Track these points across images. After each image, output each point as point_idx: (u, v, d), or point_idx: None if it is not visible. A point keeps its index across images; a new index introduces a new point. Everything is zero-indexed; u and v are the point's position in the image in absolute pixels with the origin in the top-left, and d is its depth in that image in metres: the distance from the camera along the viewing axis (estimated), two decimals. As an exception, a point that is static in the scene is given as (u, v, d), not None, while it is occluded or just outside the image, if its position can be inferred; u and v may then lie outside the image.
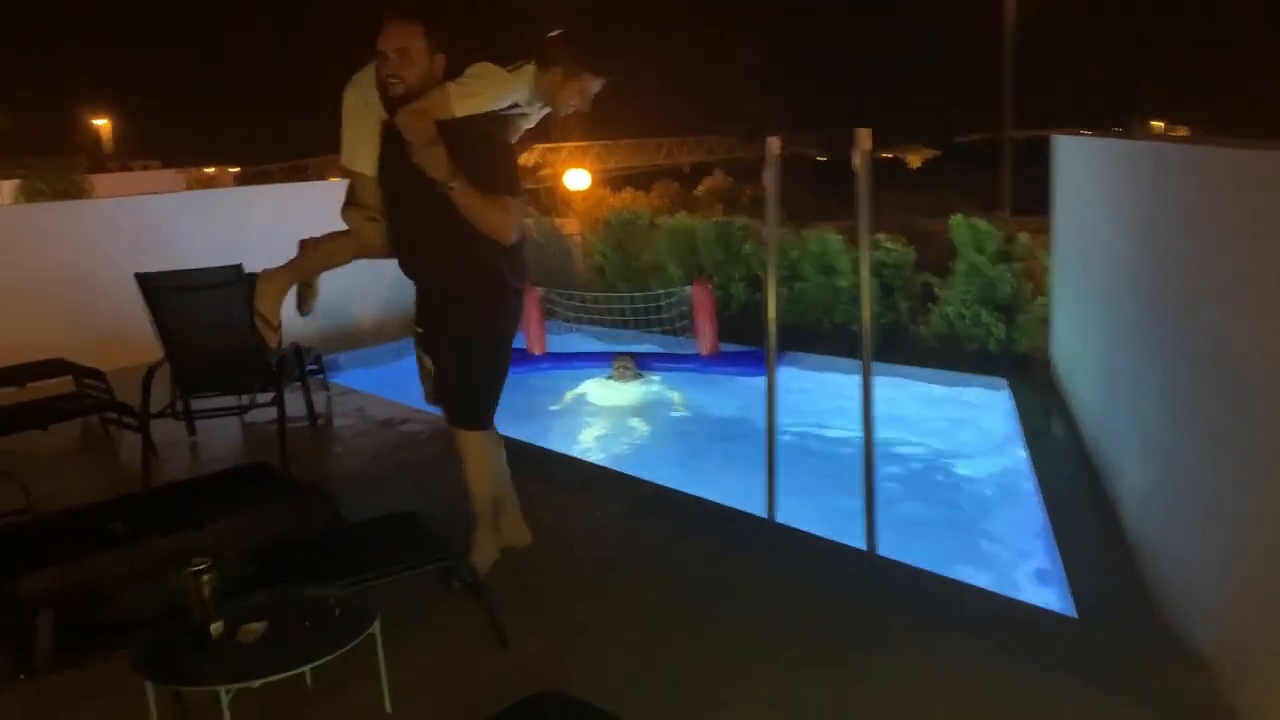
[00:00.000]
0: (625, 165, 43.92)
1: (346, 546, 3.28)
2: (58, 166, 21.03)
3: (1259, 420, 2.43)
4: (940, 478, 5.62)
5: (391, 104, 3.22)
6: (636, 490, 4.72)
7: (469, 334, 3.42)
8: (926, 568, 3.63)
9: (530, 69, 3.29)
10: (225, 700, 2.06)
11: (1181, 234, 3.32)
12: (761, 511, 4.45)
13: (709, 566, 3.76)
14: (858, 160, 3.93)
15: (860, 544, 4.02)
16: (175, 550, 2.87)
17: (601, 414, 7.32)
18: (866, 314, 4.08)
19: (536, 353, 8.41)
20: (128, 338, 6.67)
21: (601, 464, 5.22)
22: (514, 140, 3.53)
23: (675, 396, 7.46)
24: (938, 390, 6.87)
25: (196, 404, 5.62)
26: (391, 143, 3.24)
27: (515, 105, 3.38)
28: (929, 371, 7.03)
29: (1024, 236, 7.39)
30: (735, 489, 4.68)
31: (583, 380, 7.93)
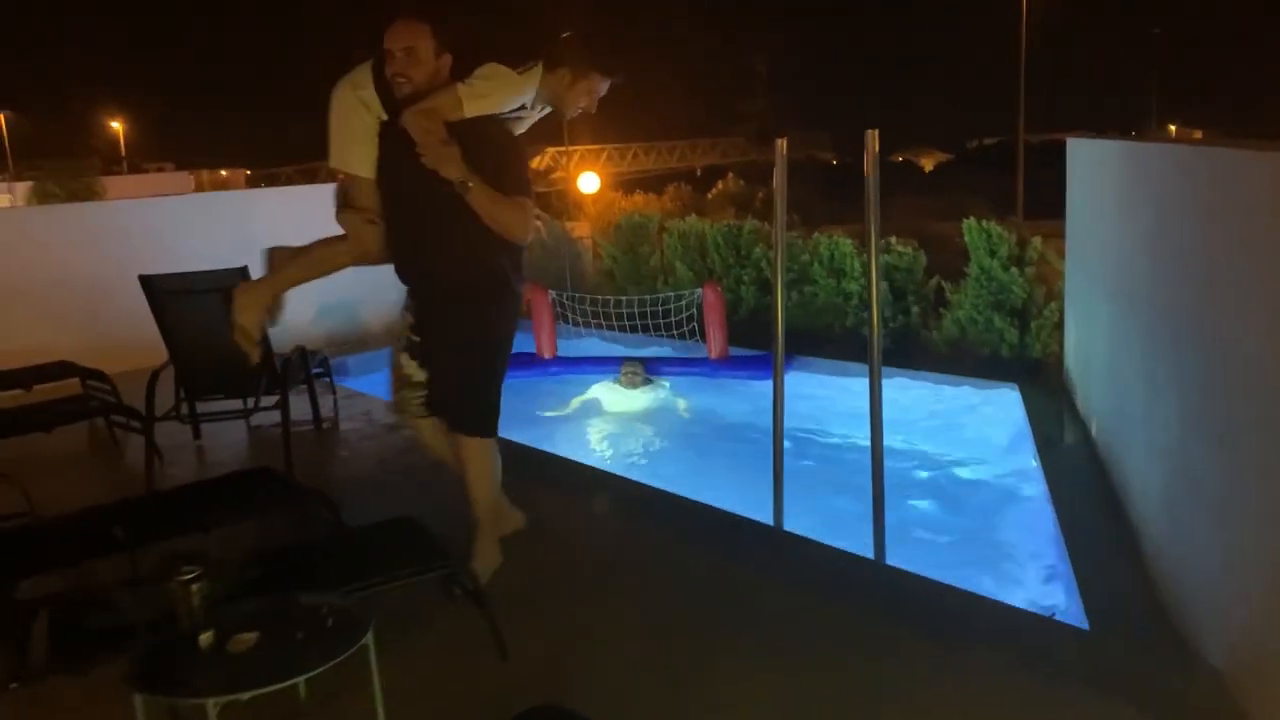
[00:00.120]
0: (638, 168, 44.00)
1: (348, 552, 3.24)
2: (70, 169, 21.13)
3: (1273, 427, 2.37)
4: (950, 485, 5.55)
5: (394, 104, 3.18)
6: (641, 495, 4.67)
7: (475, 336, 3.38)
8: (935, 577, 3.57)
9: (537, 70, 3.27)
10: (213, 713, 2.02)
11: (1195, 238, 3.26)
12: (768, 518, 4.39)
13: (713, 573, 3.71)
14: (867, 162, 3.88)
15: (868, 552, 3.96)
16: (175, 555, 2.85)
17: (609, 419, 7.28)
18: (875, 319, 4.03)
19: (546, 356, 8.37)
20: (135, 340, 6.65)
21: (607, 469, 5.17)
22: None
23: (683, 401, 7.42)
24: (949, 396, 6.80)
25: (202, 407, 5.60)
26: (393, 143, 3.20)
27: (521, 107, 3.35)
28: (940, 377, 6.95)
29: (1037, 240, 7.31)
30: (743, 495, 4.62)
31: (591, 384, 7.89)
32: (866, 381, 4.05)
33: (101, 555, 3.22)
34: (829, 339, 8.17)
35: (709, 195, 26.93)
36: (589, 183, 20.18)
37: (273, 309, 3.43)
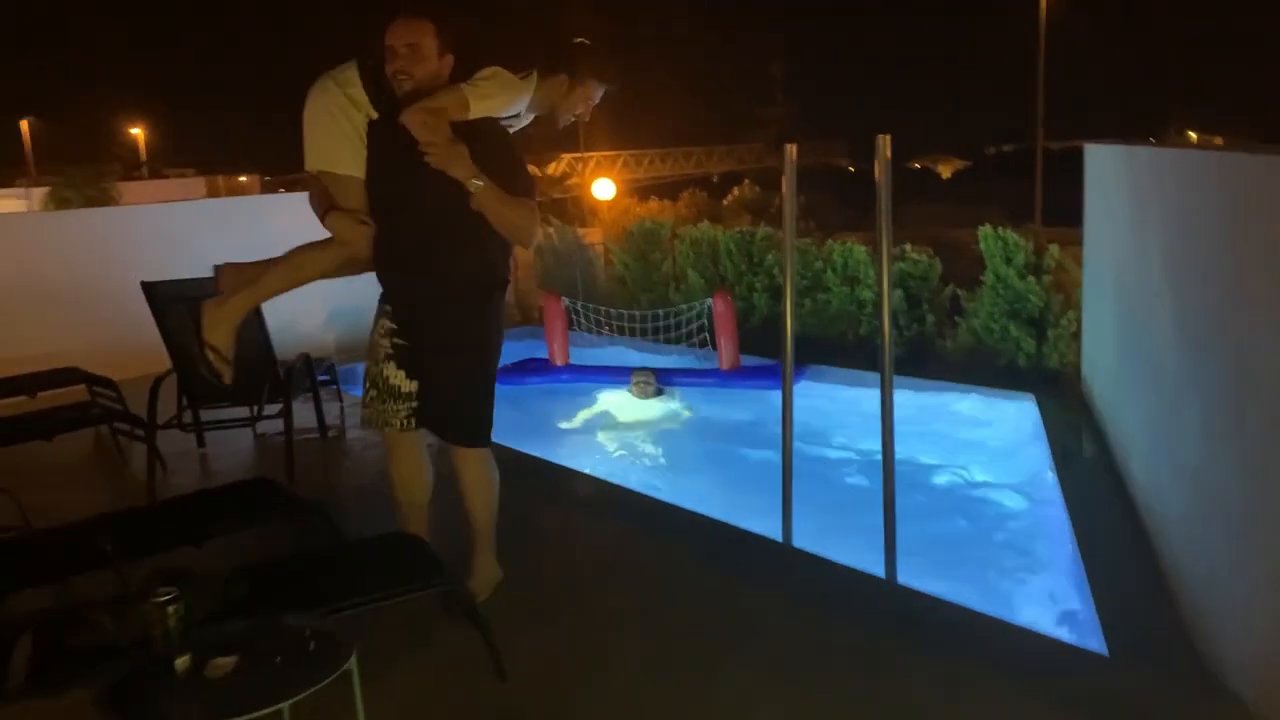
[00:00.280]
0: (653, 175, 43.94)
1: (343, 567, 3.16)
2: (87, 173, 21.21)
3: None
4: (965, 499, 5.43)
5: (386, 102, 3.10)
6: (647, 508, 4.58)
7: (476, 343, 3.29)
8: (947, 596, 3.46)
9: (534, 76, 3.23)
10: (186, 741, 1.94)
11: (1218, 247, 3.14)
12: (778, 532, 4.29)
13: (719, 590, 3.62)
14: (878, 168, 3.78)
15: (878, 568, 3.85)
16: (162, 572, 2.77)
17: (619, 428, 7.18)
18: (886, 329, 3.92)
19: (558, 363, 8.29)
20: (144, 346, 6.61)
21: (614, 481, 5.07)
22: None
23: (694, 412, 7.32)
24: (963, 406, 6.67)
25: (206, 415, 5.55)
26: (386, 142, 3.12)
27: (515, 115, 3.30)
28: (955, 386, 6.82)
29: (1054, 248, 7.17)
30: (753, 508, 4.53)
31: (602, 393, 7.81)
32: (879, 391, 3.94)
33: (89, 570, 3.15)
34: (842, 347, 8.05)
35: (724, 201, 26.86)
36: (604, 189, 20.15)
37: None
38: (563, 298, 8.42)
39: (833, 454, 6.26)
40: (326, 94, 3.13)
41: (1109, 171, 5.76)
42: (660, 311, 8.45)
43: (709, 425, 7.02)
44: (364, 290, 3.43)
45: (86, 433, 5.96)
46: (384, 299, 3.39)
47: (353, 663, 2.16)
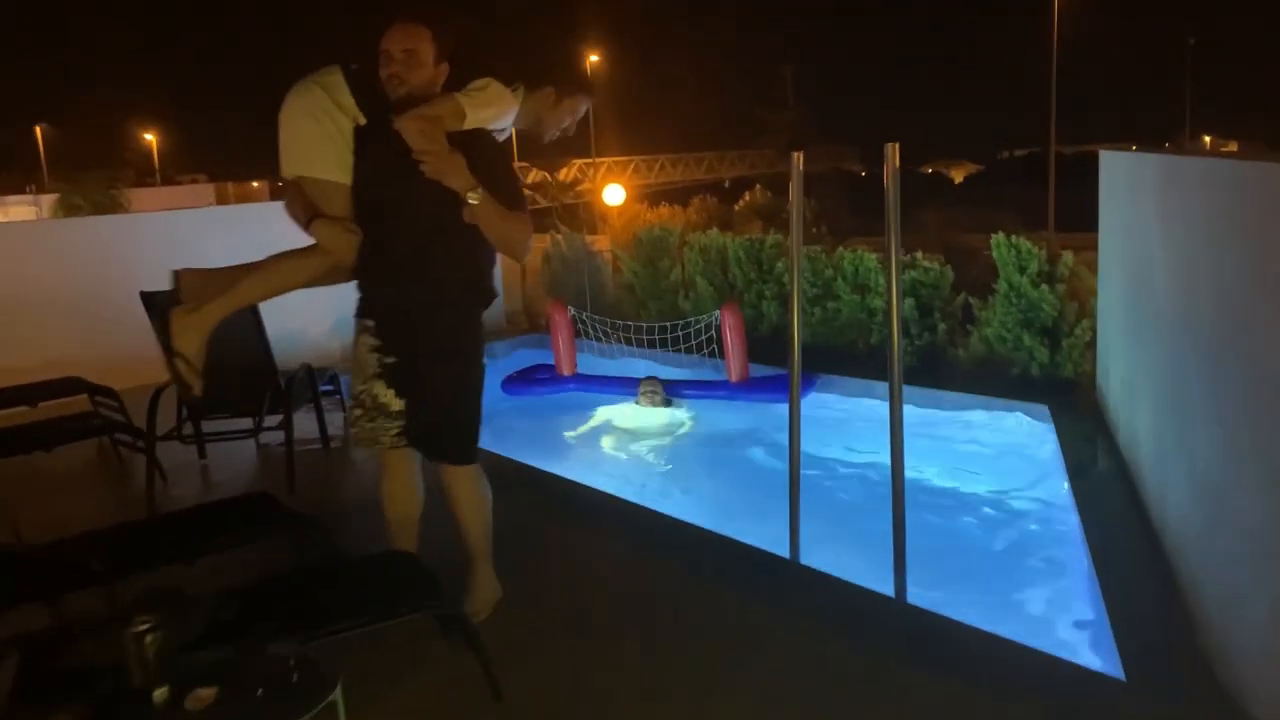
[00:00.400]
0: (665, 180, 43.93)
1: (337, 587, 3.09)
2: (98, 180, 21.25)
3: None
4: (975, 513, 5.32)
5: (375, 108, 3.03)
6: (651, 524, 4.50)
7: (463, 355, 3.22)
8: (958, 616, 3.37)
9: (521, 89, 3.18)
10: (161, 780, 1.86)
11: (1240, 257, 3.04)
12: (785, 548, 4.19)
13: (724, 609, 3.54)
14: (886, 175, 3.69)
15: (888, 585, 3.75)
16: (152, 592, 2.71)
17: (626, 439, 7.10)
18: (896, 339, 3.82)
19: (565, 373, 8.21)
20: (149, 355, 6.57)
21: (619, 492, 4.99)
22: None
23: (703, 423, 7.22)
24: (976, 417, 6.56)
25: (206, 426, 5.50)
26: (378, 148, 3.04)
27: (503, 128, 3.25)
28: (967, 397, 6.71)
29: (1068, 256, 7.05)
30: (760, 524, 4.44)
31: (609, 404, 7.72)
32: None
33: (79, 589, 3.08)
34: (853, 356, 7.95)
35: (736, 207, 26.78)
36: (614, 195, 20.07)
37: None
38: (569, 307, 8.34)
39: (842, 465, 6.16)
40: (310, 96, 3.04)
41: (1125, 178, 5.65)
42: (668, 324, 8.36)
43: (717, 437, 6.93)
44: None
45: (89, 443, 5.92)
46: (364, 312, 3.28)
47: (338, 693, 2.09)
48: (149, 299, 4.98)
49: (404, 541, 3.41)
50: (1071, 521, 4.58)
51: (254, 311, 5.11)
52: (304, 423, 5.66)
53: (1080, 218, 7.45)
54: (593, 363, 8.50)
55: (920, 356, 7.45)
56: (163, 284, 5.09)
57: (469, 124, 3.04)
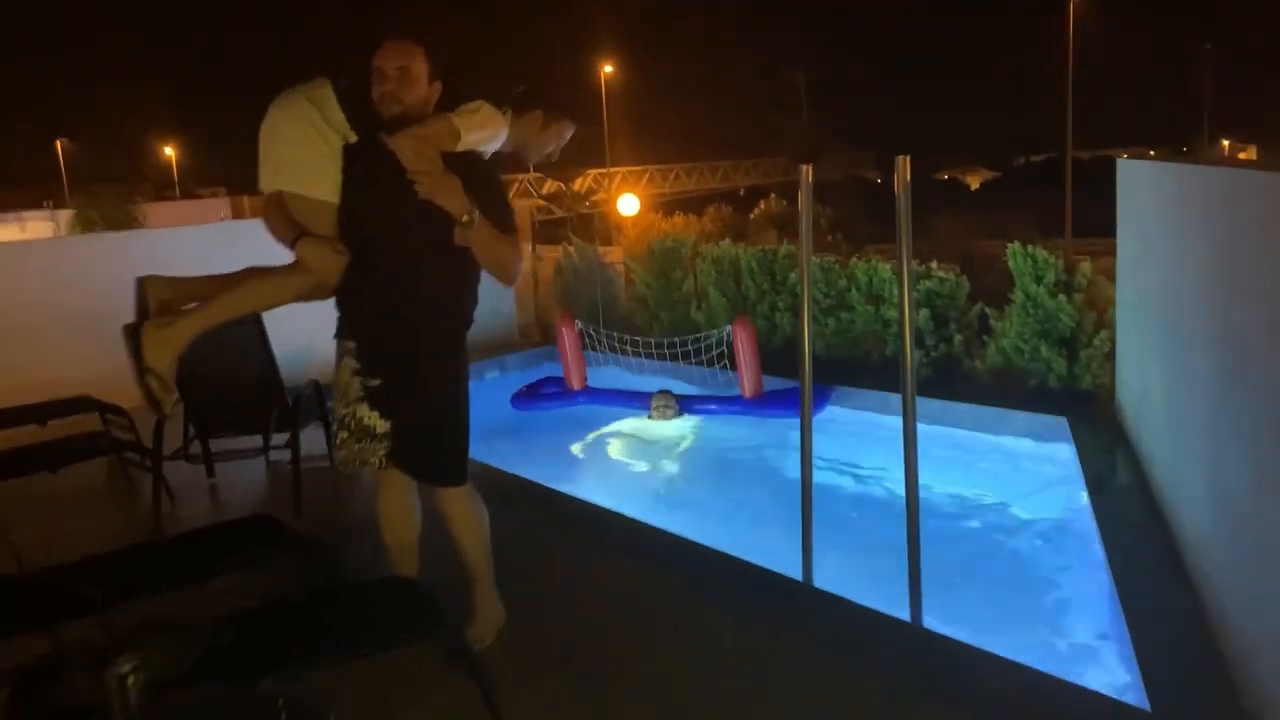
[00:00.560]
0: (680, 189, 43.87)
1: (338, 615, 3.02)
2: (116, 194, 21.33)
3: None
4: (992, 530, 5.21)
5: (365, 125, 2.97)
6: (661, 543, 4.42)
7: (450, 376, 3.15)
8: (976, 642, 3.27)
9: (510, 112, 3.13)
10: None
11: (1266, 271, 2.94)
12: (798, 568, 4.11)
13: (734, 633, 3.46)
14: (897, 185, 3.61)
15: (903, 608, 3.66)
16: (148, 622, 2.65)
17: (637, 455, 7.02)
18: (909, 354, 3.73)
19: (575, 387, 8.14)
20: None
21: (628, 512, 4.91)
22: None
23: (715, 439, 7.14)
24: (992, 429, 6.45)
25: (214, 445, 5.45)
26: (369, 167, 2.97)
27: (494, 150, 3.19)
28: (983, 409, 6.61)
29: (1086, 266, 6.93)
30: (772, 543, 4.36)
31: (620, 418, 7.65)
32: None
33: (77, 616, 3.02)
34: (867, 367, 7.86)
35: (751, 216, 26.69)
36: (628, 205, 20.02)
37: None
38: (577, 321, 8.27)
39: (858, 481, 6.06)
40: (298, 110, 2.94)
41: (1144, 188, 5.55)
42: (679, 339, 8.28)
43: (729, 453, 6.85)
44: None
45: (98, 462, 5.88)
46: (345, 333, 3.21)
47: (328, 734, 2.02)
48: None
49: (405, 566, 3.35)
50: (1092, 540, 4.47)
51: (259, 328, 5.07)
52: (314, 440, 5.61)
53: (1098, 222, 7.32)
54: (602, 376, 8.44)
55: (936, 368, 7.35)
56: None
57: (462, 146, 2.98)
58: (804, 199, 4.05)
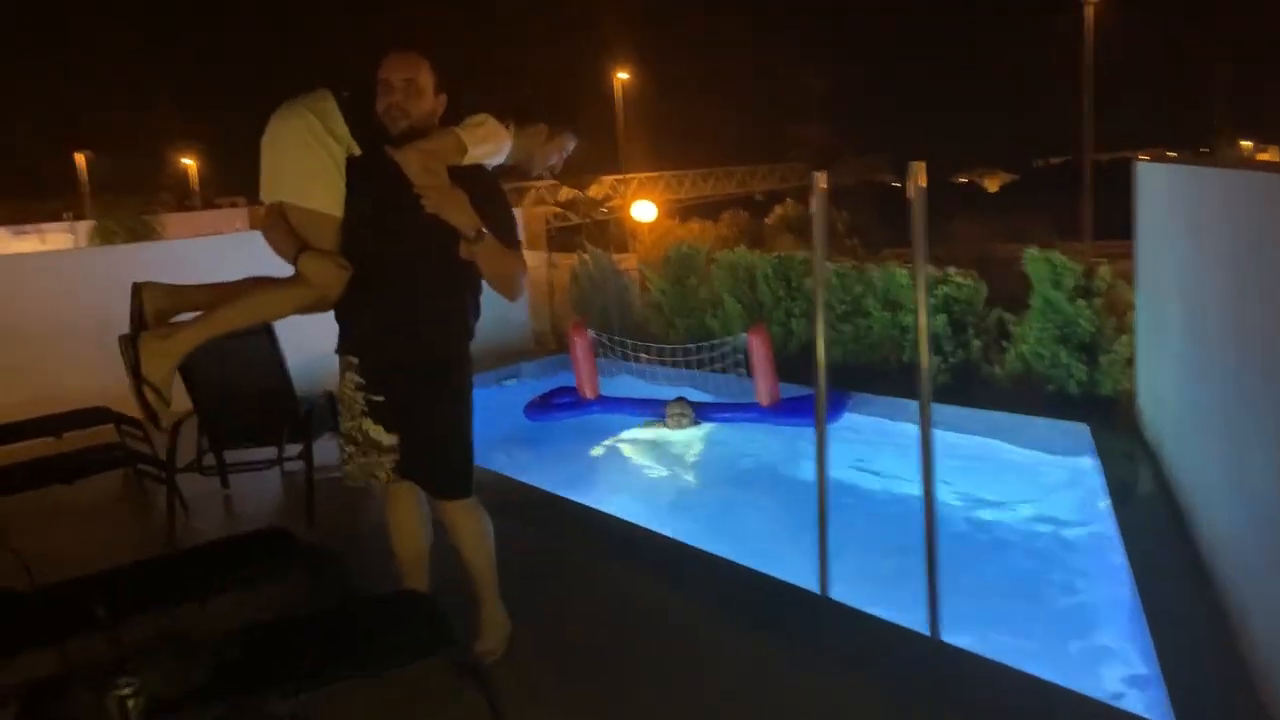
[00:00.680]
0: (696, 195, 43.80)
1: (347, 630, 2.99)
2: (135, 205, 21.48)
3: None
4: (1012, 540, 5.14)
5: (370, 137, 2.95)
6: (675, 553, 4.37)
7: (454, 390, 3.13)
8: (997, 656, 3.20)
9: (513, 125, 3.09)
10: None
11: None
12: (814, 580, 4.06)
13: (749, 646, 3.41)
14: (912, 190, 3.56)
15: (921, 619, 3.60)
16: (153, 641, 2.64)
17: (651, 464, 6.97)
18: (925, 362, 3.68)
19: (588, 396, 8.10)
20: (177, 385, 6.55)
21: (642, 520, 4.86)
22: None
23: (732, 447, 7.08)
24: (1011, 437, 6.37)
25: (229, 456, 5.45)
26: (373, 181, 2.95)
27: (498, 164, 3.17)
28: (1002, 415, 6.52)
29: (1105, 270, 6.84)
30: (790, 552, 4.31)
31: (635, 426, 7.61)
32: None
33: (83, 633, 3.01)
34: (884, 373, 7.78)
35: (767, 221, 26.60)
36: (644, 211, 19.98)
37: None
38: (589, 330, 8.24)
39: (876, 490, 6.00)
40: (301, 121, 2.91)
41: (1164, 191, 5.46)
42: (693, 345, 8.24)
43: (746, 459, 6.79)
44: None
45: (114, 474, 5.89)
46: (346, 349, 3.19)
47: (333, 756, 1.99)
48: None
49: (415, 579, 3.33)
50: (1115, 550, 4.39)
51: (272, 339, 5.07)
52: (327, 450, 5.59)
53: (1119, 223, 7.21)
54: (617, 383, 8.40)
55: (954, 374, 7.28)
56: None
57: (467, 159, 2.96)
58: (817, 205, 4.00)
